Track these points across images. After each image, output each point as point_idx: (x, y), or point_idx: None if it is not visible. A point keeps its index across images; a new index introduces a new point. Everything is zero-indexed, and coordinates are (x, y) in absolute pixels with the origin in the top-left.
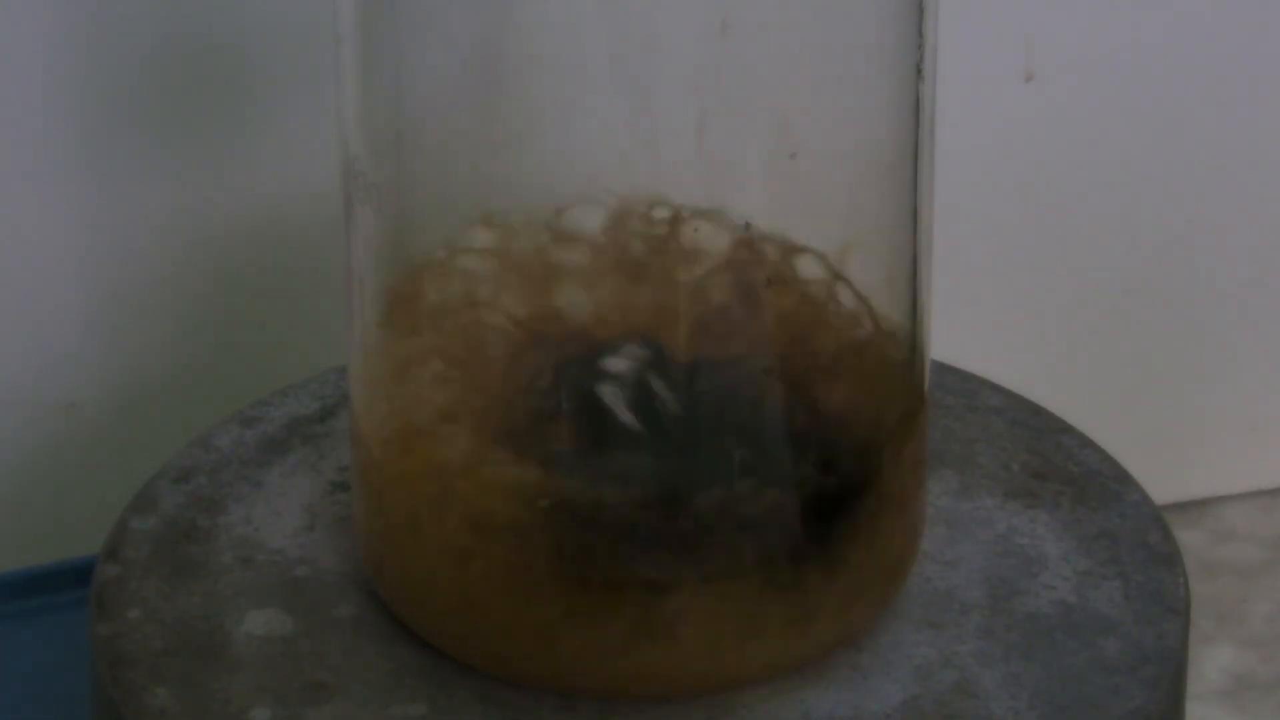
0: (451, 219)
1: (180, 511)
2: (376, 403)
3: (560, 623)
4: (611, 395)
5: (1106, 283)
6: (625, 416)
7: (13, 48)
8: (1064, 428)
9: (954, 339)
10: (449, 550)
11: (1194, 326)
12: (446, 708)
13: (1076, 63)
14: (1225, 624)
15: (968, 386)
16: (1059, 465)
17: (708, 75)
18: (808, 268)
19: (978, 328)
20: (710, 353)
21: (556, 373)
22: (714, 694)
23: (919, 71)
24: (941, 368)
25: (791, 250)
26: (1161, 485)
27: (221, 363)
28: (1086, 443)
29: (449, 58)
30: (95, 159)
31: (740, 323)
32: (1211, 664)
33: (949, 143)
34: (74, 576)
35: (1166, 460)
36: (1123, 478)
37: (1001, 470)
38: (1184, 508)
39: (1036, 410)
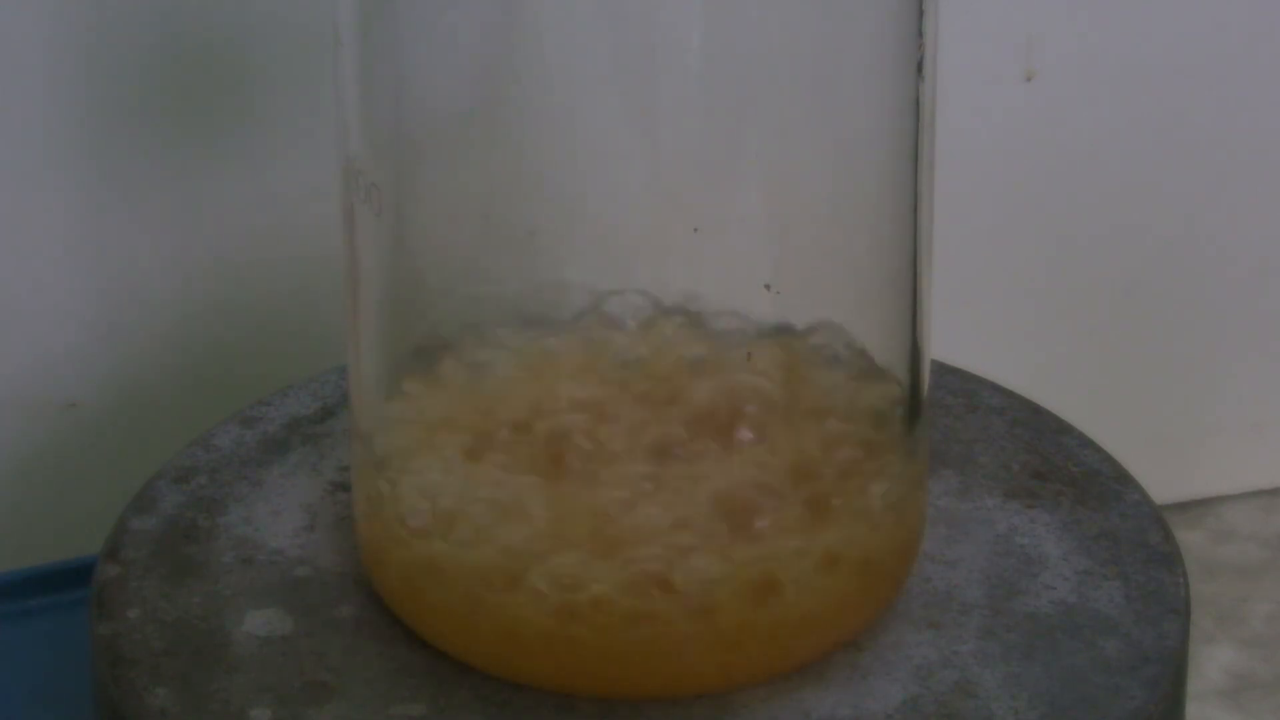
0: (451, 219)
1: (180, 511)
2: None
3: (561, 623)
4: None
5: (1106, 283)
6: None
7: (14, 48)
8: (1064, 428)
9: (954, 339)
10: (451, 552)
11: (1194, 326)
12: (446, 708)
13: (1076, 63)
14: (1225, 624)
15: (968, 386)
16: (1059, 465)
17: (708, 74)
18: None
19: (978, 328)
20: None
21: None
22: (714, 694)
23: (919, 71)
24: (941, 368)
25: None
26: (1162, 485)
27: (221, 363)
28: (1086, 443)
29: (449, 58)
30: (95, 160)
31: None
32: (1211, 664)
33: (949, 143)
34: (74, 576)
35: (1167, 460)
36: (1123, 478)
37: (1001, 470)
38: (1184, 508)
39: (1036, 410)
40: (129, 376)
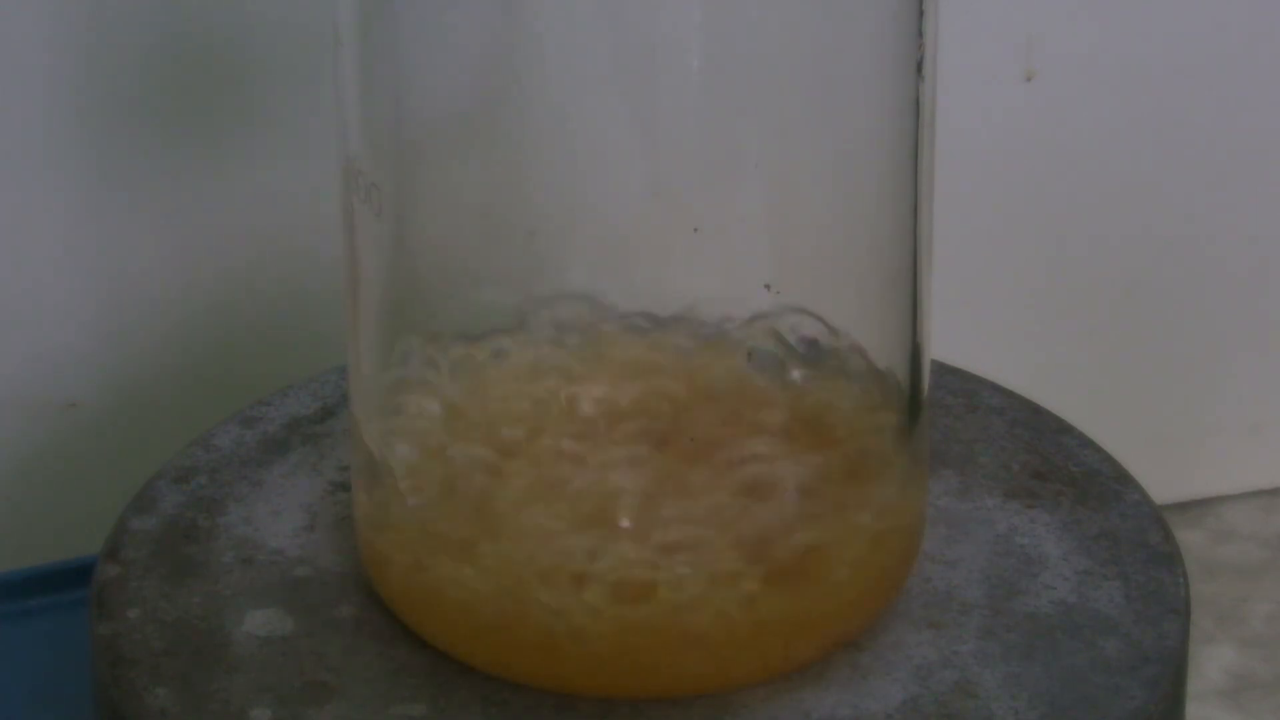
0: (451, 219)
1: (180, 511)
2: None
3: (561, 623)
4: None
5: (1106, 283)
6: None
7: (14, 48)
8: (1064, 428)
9: (954, 339)
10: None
11: (1194, 326)
12: (446, 708)
13: (1076, 63)
14: (1225, 624)
15: (968, 386)
16: (1059, 465)
17: (708, 74)
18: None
19: (978, 328)
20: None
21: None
22: (714, 694)
23: (919, 71)
24: (941, 368)
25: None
26: (1161, 485)
27: (221, 363)
28: (1086, 443)
29: (448, 58)
30: (95, 160)
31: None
32: (1211, 664)
33: (949, 143)
34: (74, 576)
35: (1167, 460)
36: (1123, 478)
37: (1001, 470)
38: (1184, 508)
39: (1036, 410)
40: (129, 376)
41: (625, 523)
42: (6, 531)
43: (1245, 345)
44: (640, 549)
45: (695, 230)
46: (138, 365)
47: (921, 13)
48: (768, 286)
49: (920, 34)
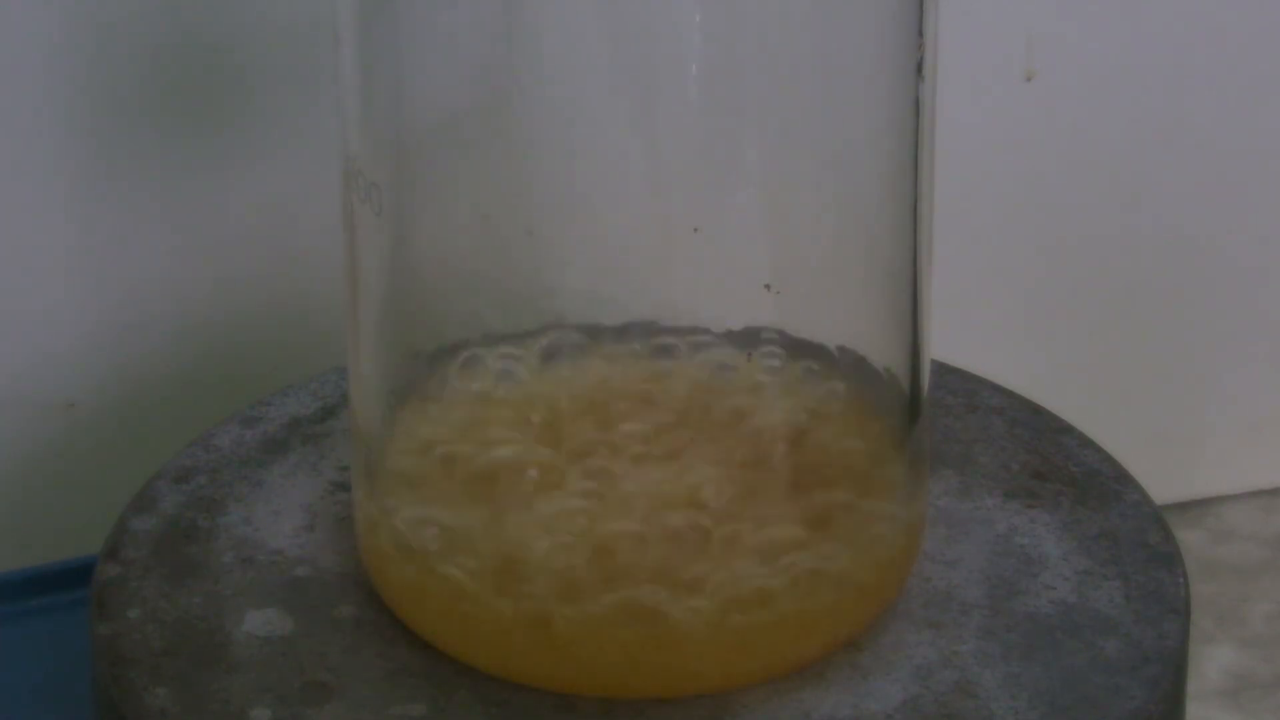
0: (451, 219)
1: (180, 511)
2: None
3: (560, 624)
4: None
5: (1106, 283)
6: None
7: (14, 49)
8: (1064, 428)
9: (954, 339)
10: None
11: (1194, 326)
12: (446, 708)
13: (1076, 63)
14: (1225, 624)
15: (968, 386)
16: (1059, 465)
17: (708, 74)
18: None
19: (978, 328)
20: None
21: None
22: (714, 694)
23: (919, 71)
24: (941, 368)
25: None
26: (1161, 485)
27: (221, 363)
28: (1086, 443)
29: (449, 58)
30: (95, 159)
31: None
32: (1211, 664)
33: (949, 143)
34: (74, 576)
35: (1166, 460)
36: (1123, 478)
37: (1001, 470)
38: (1184, 508)
39: (1036, 410)
40: (129, 376)
41: (625, 524)
42: (6, 531)
43: (1245, 345)
44: (640, 550)
45: (695, 230)
46: (138, 365)
47: (921, 13)
48: (768, 286)
49: (920, 34)
